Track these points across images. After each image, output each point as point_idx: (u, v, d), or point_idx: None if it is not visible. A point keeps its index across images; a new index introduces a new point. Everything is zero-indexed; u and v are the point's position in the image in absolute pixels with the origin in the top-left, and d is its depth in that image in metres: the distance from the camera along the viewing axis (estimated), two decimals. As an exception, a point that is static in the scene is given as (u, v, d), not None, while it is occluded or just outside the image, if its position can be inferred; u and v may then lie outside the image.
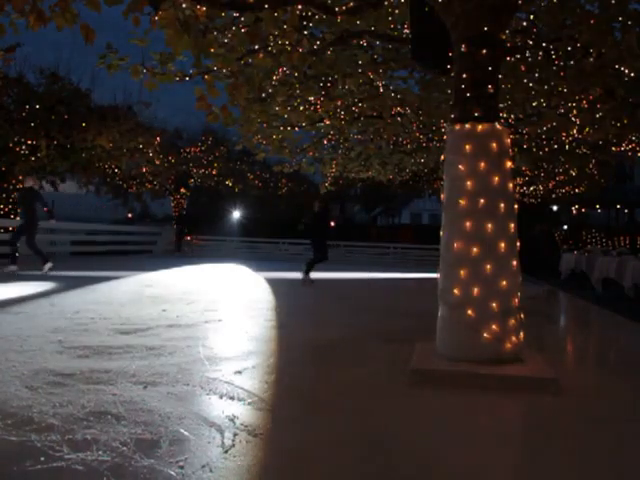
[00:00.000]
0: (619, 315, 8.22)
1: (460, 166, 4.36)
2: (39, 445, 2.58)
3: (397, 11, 6.82)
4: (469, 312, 4.20)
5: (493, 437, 3.06)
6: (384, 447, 2.79)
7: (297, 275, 11.37)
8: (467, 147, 4.35)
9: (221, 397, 3.44)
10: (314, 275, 11.22)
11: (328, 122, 11.14)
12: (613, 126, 10.03)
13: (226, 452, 2.61)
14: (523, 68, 8.04)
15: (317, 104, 9.94)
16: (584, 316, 8.93)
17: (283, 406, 3.41)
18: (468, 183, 4.31)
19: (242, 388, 3.64)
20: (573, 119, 10.25)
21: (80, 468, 2.37)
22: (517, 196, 10.72)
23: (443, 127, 11.33)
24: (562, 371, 4.40)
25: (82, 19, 4.54)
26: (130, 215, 28.71)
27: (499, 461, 2.74)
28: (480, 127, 4.36)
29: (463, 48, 4.49)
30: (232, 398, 3.43)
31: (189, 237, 22.98)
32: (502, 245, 4.26)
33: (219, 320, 6.32)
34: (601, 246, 17.27)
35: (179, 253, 21.18)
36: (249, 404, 3.33)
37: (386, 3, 6.50)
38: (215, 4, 5.25)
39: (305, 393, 3.72)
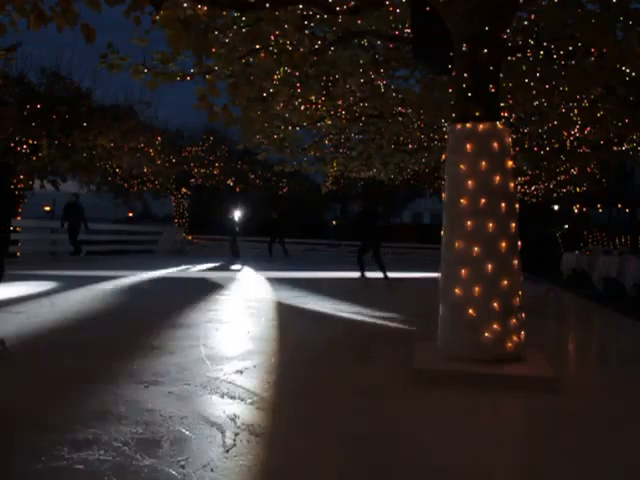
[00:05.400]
0: (621, 314, 8.21)
1: (461, 165, 4.36)
2: (40, 445, 2.58)
3: (398, 10, 6.81)
4: (470, 311, 4.20)
5: (494, 437, 3.06)
6: (384, 447, 2.78)
7: (297, 274, 11.37)
8: (468, 146, 4.35)
9: (222, 396, 3.44)
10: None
11: (329, 122, 11.15)
12: (614, 125, 10.03)
13: (227, 452, 2.61)
14: (524, 67, 8.04)
15: (318, 104, 9.95)
16: (585, 315, 8.92)
17: (284, 406, 3.41)
18: (469, 182, 4.31)
19: (243, 387, 3.65)
20: (574, 118, 10.25)
21: (81, 467, 2.37)
22: (518, 195, 10.72)
23: (444, 127, 11.34)
24: (563, 370, 4.40)
25: (83, 19, 4.54)
26: (131, 214, 28.72)
27: (499, 461, 2.74)
28: (481, 126, 4.36)
29: (464, 47, 4.48)
30: (233, 397, 3.43)
31: (190, 236, 22.97)
32: (503, 245, 4.25)
33: (220, 319, 6.32)
34: (602, 245, 17.26)
35: (81, 255, 15.65)
36: (250, 404, 3.33)
37: (387, 2, 6.50)
38: (216, 3, 5.25)
39: (306, 393, 3.72)
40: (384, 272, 11.42)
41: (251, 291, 9.74)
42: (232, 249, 18.78)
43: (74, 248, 15.48)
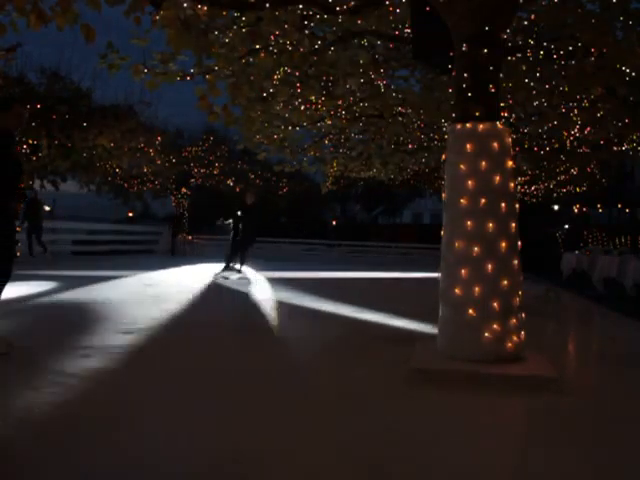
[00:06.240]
0: (621, 314, 8.21)
1: (461, 165, 4.36)
2: (40, 445, 2.58)
3: (398, 10, 6.81)
4: (470, 311, 4.20)
5: (493, 437, 3.06)
6: (384, 447, 2.79)
7: (297, 274, 11.38)
8: (468, 146, 4.35)
9: (222, 396, 3.44)
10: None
11: (329, 122, 11.14)
12: (614, 125, 10.02)
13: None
14: (524, 67, 8.04)
15: (318, 104, 9.94)
16: (586, 315, 8.92)
17: (284, 406, 3.41)
18: (469, 182, 4.31)
19: (243, 387, 3.65)
20: (574, 118, 10.24)
21: (81, 467, 2.37)
22: (518, 195, 10.70)
23: (444, 127, 11.33)
24: (563, 370, 4.40)
25: (83, 19, 4.54)
26: (131, 214, 28.69)
27: (499, 461, 2.74)
28: (481, 126, 4.36)
29: (464, 47, 4.48)
30: (233, 397, 3.43)
31: (190, 237, 22.95)
32: (503, 245, 4.25)
33: (220, 319, 6.32)
34: (602, 245, 17.25)
35: (46, 255, 14.52)
36: (250, 403, 3.34)
37: (387, 2, 6.50)
38: (216, 3, 5.24)
39: (306, 393, 3.72)
40: (228, 264, 11.89)
41: (250, 291, 9.74)
42: (172, 247, 21.53)
43: (42, 247, 14.79)
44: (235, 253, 12.25)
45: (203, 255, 20.48)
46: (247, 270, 12.70)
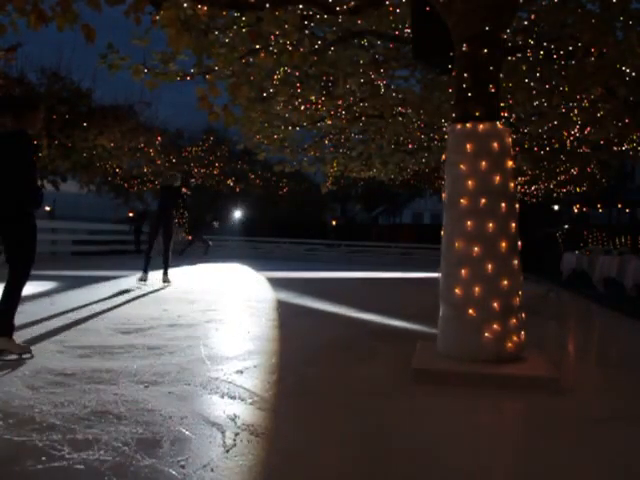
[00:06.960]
0: (621, 314, 8.21)
1: (461, 166, 4.36)
2: (40, 445, 2.58)
3: (398, 10, 6.82)
4: (470, 311, 4.20)
5: (493, 437, 3.06)
6: (384, 447, 2.79)
7: (297, 275, 11.36)
8: (468, 147, 4.35)
9: (222, 397, 3.44)
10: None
11: (329, 122, 11.14)
12: (614, 125, 10.01)
13: (227, 452, 2.61)
14: (524, 67, 8.04)
15: (318, 104, 9.94)
16: (586, 315, 8.92)
17: (284, 406, 3.41)
18: (469, 182, 4.31)
19: (243, 387, 3.65)
20: (574, 118, 10.24)
21: (81, 468, 2.37)
22: (518, 195, 10.68)
23: (444, 127, 11.33)
24: (563, 370, 4.40)
25: (83, 19, 4.54)
26: (131, 214, 28.70)
27: (499, 461, 2.74)
28: (481, 127, 4.36)
29: (464, 47, 4.49)
30: (233, 398, 3.43)
31: (189, 237, 22.96)
32: (503, 245, 4.26)
33: (220, 320, 6.32)
34: (602, 245, 17.24)
35: None
36: (250, 404, 3.33)
37: (387, 2, 6.50)
38: (216, 3, 5.25)
39: (306, 392, 3.72)
40: (166, 266, 9.89)
41: (251, 291, 9.74)
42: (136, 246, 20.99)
43: None
44: (167, 250, 9.95)
45: (203, 255, 20.47)
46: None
